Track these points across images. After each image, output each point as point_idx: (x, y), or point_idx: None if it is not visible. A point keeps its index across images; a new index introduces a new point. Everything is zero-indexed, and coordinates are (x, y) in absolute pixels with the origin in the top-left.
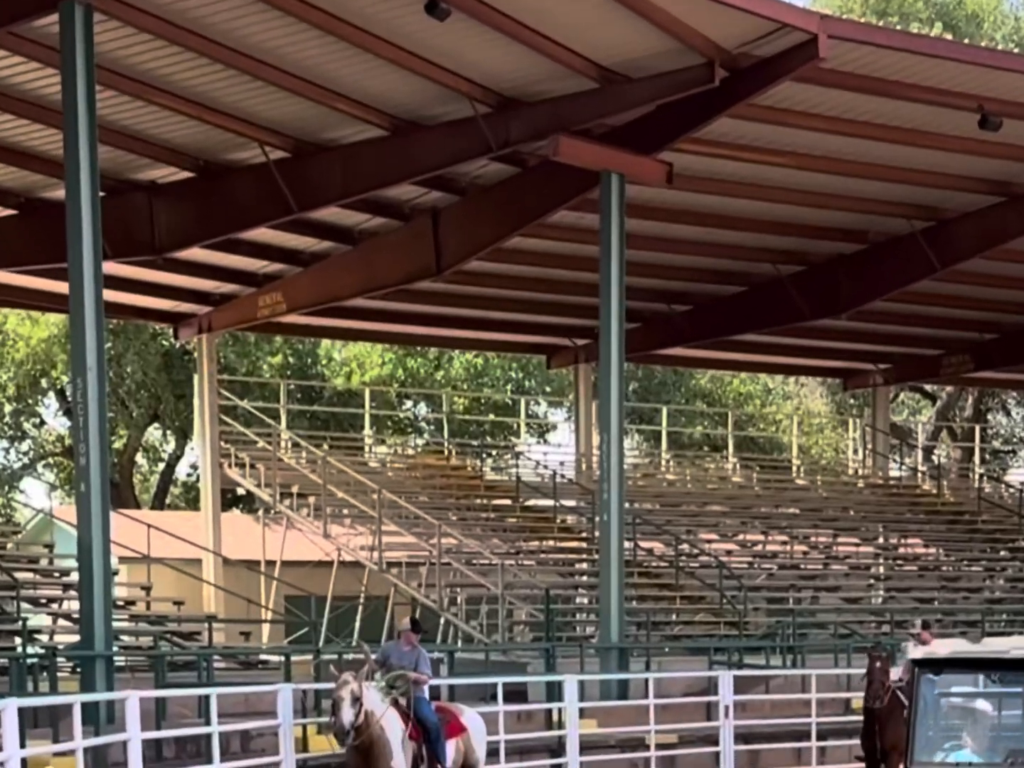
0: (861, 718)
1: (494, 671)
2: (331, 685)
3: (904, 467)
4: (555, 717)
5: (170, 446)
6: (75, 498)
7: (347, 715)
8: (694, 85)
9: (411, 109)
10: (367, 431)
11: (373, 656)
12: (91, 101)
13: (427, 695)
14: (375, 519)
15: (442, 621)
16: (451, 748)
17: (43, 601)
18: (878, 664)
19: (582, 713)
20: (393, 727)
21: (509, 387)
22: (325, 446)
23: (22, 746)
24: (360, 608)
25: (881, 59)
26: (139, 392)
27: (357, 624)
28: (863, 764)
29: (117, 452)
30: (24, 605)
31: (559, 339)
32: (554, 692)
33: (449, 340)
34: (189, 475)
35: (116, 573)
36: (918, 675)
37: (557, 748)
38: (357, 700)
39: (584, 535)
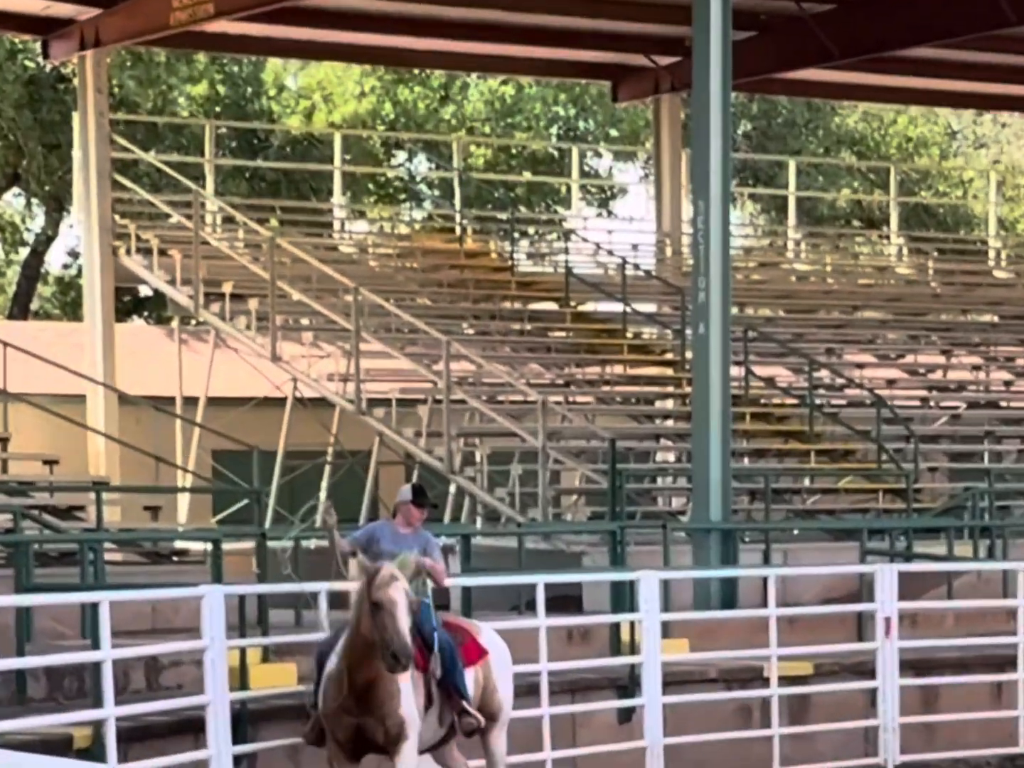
0: None
1: (532, 566)
2: (281, 587)
3: None
4: (625, 636)
5: (37, 223)
6: None
7: (407, 627)
8: None
9: None
10: (337, 199)
11: (345, 538)
12: None
13: (431, 602)
14: (349, 334)
15: (452, 490)
16: (468, 680)
17: None
18: None
19: (666, 630)
20: None
21: (555, 130)
22: (273, 222)
23: None
24: (327, 470)
25: None
26: None
27: (322, 493)
28: None
29: None
30: None
31: (631, 56)
32: (624, 598)
33: (463, 58)
34: (67, 267)
35: None
36: None
37: (628, 683)
38: (412, 608)
39: (669, 357)
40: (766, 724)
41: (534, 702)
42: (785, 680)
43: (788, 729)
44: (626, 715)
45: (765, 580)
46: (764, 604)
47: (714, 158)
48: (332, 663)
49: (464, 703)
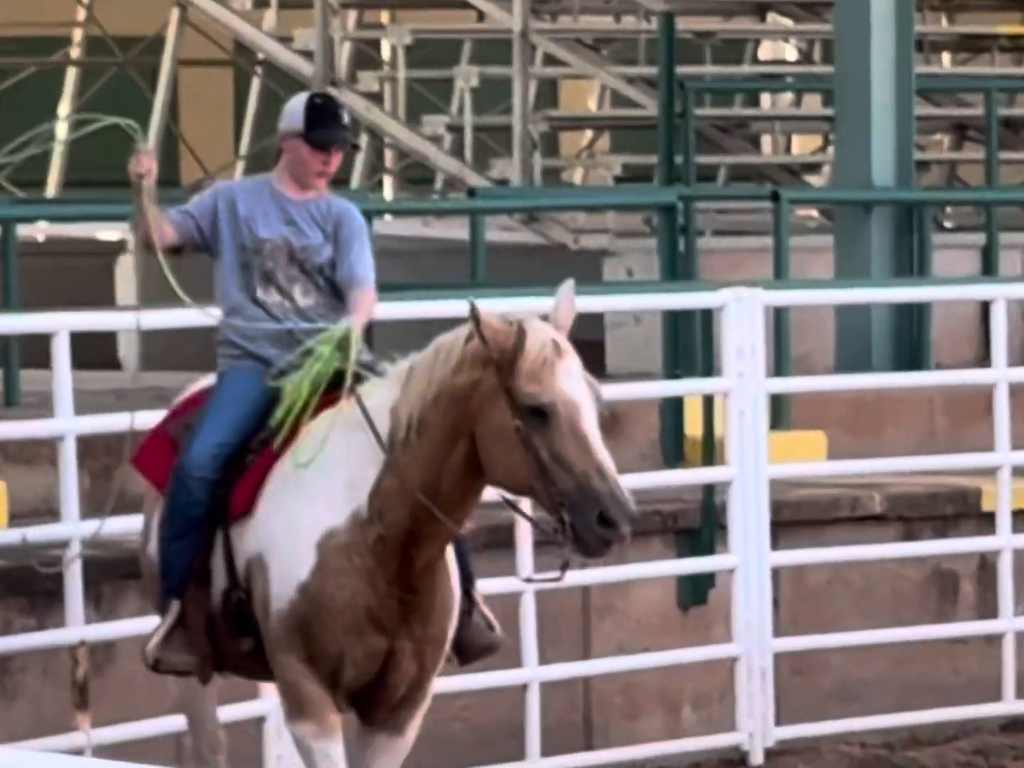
0: None
1: (501, 277)
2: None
3: None
4: (693, 427)
5: None
6: None
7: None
8: None
9: None
10: None
11: (174, 211)
12: None
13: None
14: None
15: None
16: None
17: None
18: None
19: (779, 413)
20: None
21: None
22: None
23: None
24: (71, 76)
25: None
26: None
27: (61, 129)
28: None
29: None
30: None
31: None
32: (691, 345)
33: None
34: None
35: None
36: None
37: (700, 526)
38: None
39: None
40: (986, 611)
41: (507, 564)
42: None
43: None
44: (696, 591)
45: (986, 308)
46: (984, 360)
47: None
48: (346, 513)
49: (476, 595)
